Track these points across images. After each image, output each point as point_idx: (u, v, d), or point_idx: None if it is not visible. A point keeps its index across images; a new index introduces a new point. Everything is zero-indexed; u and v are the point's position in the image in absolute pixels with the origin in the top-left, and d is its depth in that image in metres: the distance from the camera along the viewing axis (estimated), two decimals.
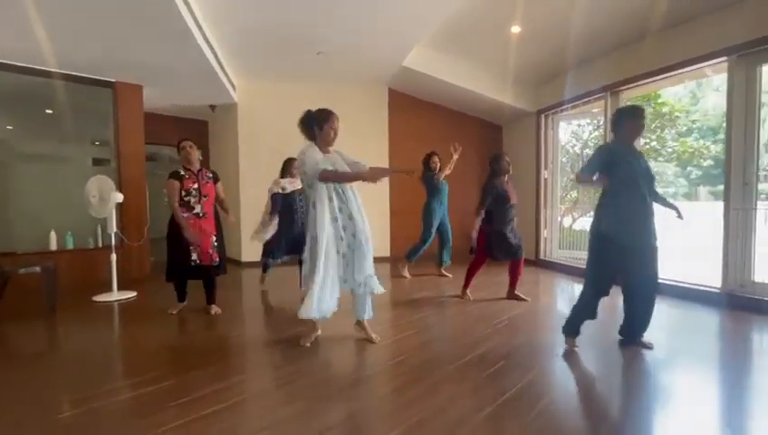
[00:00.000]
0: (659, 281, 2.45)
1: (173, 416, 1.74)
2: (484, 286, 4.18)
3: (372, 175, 2.41)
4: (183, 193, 3.16)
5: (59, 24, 3.38)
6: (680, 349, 2.60)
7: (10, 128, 4.71)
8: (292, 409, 1.83)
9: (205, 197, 3.23)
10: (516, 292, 3.73)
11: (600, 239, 2.38)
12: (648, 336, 2.52)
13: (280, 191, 3.97)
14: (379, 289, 2.57)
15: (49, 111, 5.06)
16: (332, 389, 2.07)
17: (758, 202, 3.36)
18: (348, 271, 2.52)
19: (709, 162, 7.86)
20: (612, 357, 2.43)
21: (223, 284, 4.71)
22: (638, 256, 2.33)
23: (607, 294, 2.42)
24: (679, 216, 2.47)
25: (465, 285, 3.82)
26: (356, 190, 2.57)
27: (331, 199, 2.45)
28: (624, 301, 2.51)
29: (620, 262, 2.35)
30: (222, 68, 4.73)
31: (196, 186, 3.20)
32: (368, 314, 2.67)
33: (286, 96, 5.88)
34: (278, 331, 3.06)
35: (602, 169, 2.37)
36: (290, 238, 3.94)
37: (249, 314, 3.65)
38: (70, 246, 4.58)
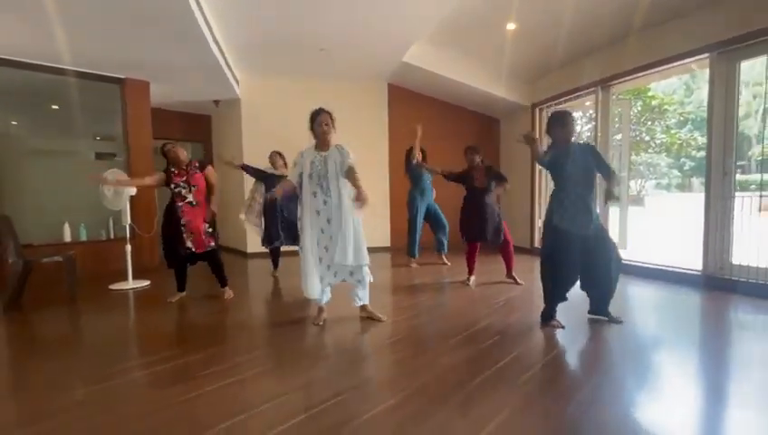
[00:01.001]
0: (620, 262, 2.72)
1: (194, 386, 1.94)
2: (482, 272, 4.41)
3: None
4: (172, 186, 3.41)
5: (74, 22, 3.52)
6: (662, 325, 2.84)
7: (15, 123, 4.85)
8: (307, 378, 2.05)
9: (194, 187, 3.45)
10: (513, 274, 3.99)
11: (548, 229, 2.70)
12: (631, 314, 2.77)
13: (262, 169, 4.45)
14: (367, 279, 2.86)
15: (55, 107, 5.22)
16: (342, 361, 2.30)
17: (736, 192, 3.59)
18: (331, 262, 2.76)
19: (702, 153, 8.05)
20: (595, 333, 2.66)
21: (232, 273, 4.94)
22: (581, 242, 2.60)
23: (568, 279, 2.69)
24: (610, 198, 2.66)
25: (469, 272, 4.05)
26: (344, 185, 2.72)
27: (315, 194, 2.73)
28: (581, 284, 2.78)
29: (569, 247, 2.61)
30: (227, 64, 4.88)
31: (184, 178, 3.44)
32: (362, 301, 2.92)
33: (288, 91, 6.05)
34: (286, 313, 3.28)
35: (549, 168, 2.71)
36: (281, 224, 4.33)
37: (257, 300, 3.86)
38: (83, 237, 4.77)
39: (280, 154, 4.55)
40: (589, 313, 2.85)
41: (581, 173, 2.61)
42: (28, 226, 4.60)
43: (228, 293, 3.64)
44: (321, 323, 2.83)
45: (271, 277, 4.60)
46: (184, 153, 3.48)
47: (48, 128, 5.04)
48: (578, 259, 2.63)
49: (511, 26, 4.53)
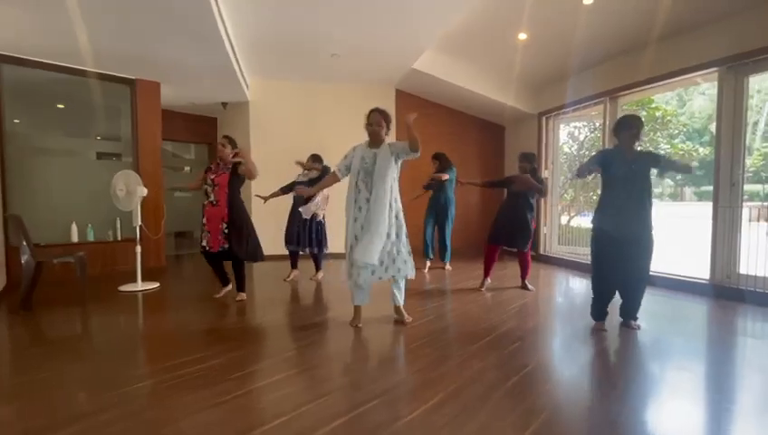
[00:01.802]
0: (650, 273, 2.77)
1: (223, 391, 1.92)
2: (494, 277, 4.44)
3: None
4: (206, 183, 3.51)
5: (90, 21, 3.51)
6: (679, 334, 2.89)
7: (17, 121, 4.79)
8: (337, 382, 2.05)
9: (216, 186, 3.47)
10: (526, 281, 4.04)
11: (594, 231, 2.81)
12: (644, 323, 2.84)
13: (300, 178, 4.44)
14: (403, 275, 2.87)
15: (61, 106, 5.17)
16: (370, 366, 2.31)
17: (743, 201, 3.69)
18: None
19: (694, 164, 8.27)
20: (613, 338, 2.71)
21: (249, 275, 4.92)
22: (625, 246, 2.65)
23: (611, 282, 2.74)
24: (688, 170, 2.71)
25: (486, 275, 4.09)
26: (388, 187, 2.74)
27: (359, 190, 2.81)
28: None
29: (612, 251, 2.69)
30: (239, 66, 4.89)
31: (213, 176, 3.50)
32: (396, 301, 2.95)
33: (296, 94, 6.08)
34: (305, 317, 3.27)
35: (597, 168, 2.76)
36: (298, 229, 4.39)
37: (272, 303, 3.84)
38: (91, 238, 4.72)
39: (319, 158, 4.49)
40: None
41: (633, 178, 2.64)
42: (35, 225, 4.53)
43: (240, 296, 3.65)
44: (360, 324, 2.89)
45: (286, 281, 4.56)
46: (227, 151, 3.50)
47: (55, 127, 4.99)
48: (616, 262, 2.69)
49: (522, 36, 4.62)
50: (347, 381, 2.05)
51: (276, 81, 5.98)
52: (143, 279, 4.26)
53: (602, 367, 2.36)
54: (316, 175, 4.32)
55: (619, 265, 2.70)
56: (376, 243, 2.68)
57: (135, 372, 2.17)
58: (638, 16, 3.88)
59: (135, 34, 3.80)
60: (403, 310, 2.98)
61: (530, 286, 4.02)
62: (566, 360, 2.40)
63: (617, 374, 2.21)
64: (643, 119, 2.91)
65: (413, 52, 5.00)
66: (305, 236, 4.39)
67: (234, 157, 3.51)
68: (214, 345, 2.58)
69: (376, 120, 2.79)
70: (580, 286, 4.43)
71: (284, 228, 4.52)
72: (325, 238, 4.49)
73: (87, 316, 3.31)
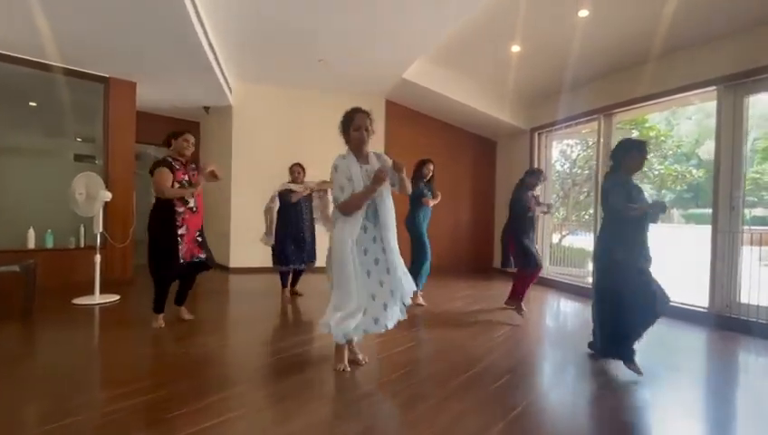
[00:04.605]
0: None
1: (181, 424, 1.65)
2: (481, 299, 4.18)
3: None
4: (177, 185, 2.95)
5: (55, 10, 3.25)
6: (679, 369, 2.64)
7: None
8: (297, 425, 1.75)
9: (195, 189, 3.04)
10: (522, 303, 3.69)
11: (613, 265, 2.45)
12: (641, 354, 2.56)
13: (289, 190, 4.05)
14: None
15: (32, 104, 4.89)
16: (338, 405, 2.01)
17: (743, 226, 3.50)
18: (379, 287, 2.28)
19: (682, 186, 8.22)
20: (606, 375, 2.45)
21: (212, 289, 4.59)
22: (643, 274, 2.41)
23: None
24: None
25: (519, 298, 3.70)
26: (389, 199, 2.28)
27: (364, 229, 2.22)
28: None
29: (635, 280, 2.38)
30: (220, 68, 4.66)
31: (186, 178, 3.02)
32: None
33: (282, 101, 5.86)
34: (273, 342, 2.96)
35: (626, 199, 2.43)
36: (299, 242, 4.05)
37: (241, 324, 3.52)
38: (49, 244, 4.37)
39: (302, 167, 4.17)
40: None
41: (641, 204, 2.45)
42: None
43: (187, 314, 3.25)
44: (347, 368, 2.30)
45: (281, 297, 4.20)
46: (192, 149, 3.09)
47: (23, 126, 4.69)
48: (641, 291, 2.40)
49: (515, 48, 4.47)
50: (300, 427, 1.75)
51: (261, 86, 5.75)
52: (103, 291, 3.92)
53: (599, 411, 2.09)
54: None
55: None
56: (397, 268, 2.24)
57: (68, 403, 1.85)
58: (636, 31, 3.74)
59: (106, 28, 3.55)
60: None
61: (505, 305, 3.76)
62: (558, 402, 2.12)
63: (608, 420, 1.94)
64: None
65: (404, 60, 4.83)
66: (302, 249, 4.08)
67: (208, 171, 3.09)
68: (166, 371, 2.26)
69: (364, 124, 2.22)
70: (573, 310, 4.18)
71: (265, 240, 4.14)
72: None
73: (28, 333, 2.97)
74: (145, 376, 2.21)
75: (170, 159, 3.01)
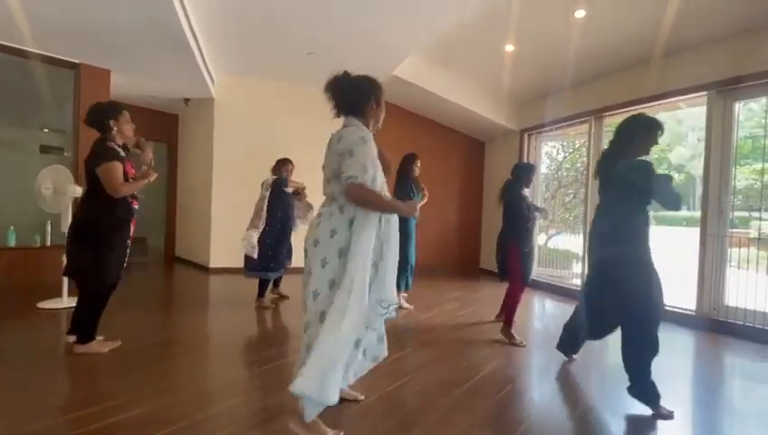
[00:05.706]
0: None
1: None
2: (471, 302, 4.11)
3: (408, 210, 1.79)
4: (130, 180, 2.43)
5: None
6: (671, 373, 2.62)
7: None
8: None
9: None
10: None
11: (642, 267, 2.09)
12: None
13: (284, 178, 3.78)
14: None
15: None
16: (340, 419, 1.87)
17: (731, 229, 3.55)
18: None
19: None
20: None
21: (192, 295, 4.34)
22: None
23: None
24: None
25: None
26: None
27: (380, 225, 1.63)
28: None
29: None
30: (203, 57, 4.41)
31: (134, 172, 2.53)
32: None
33: (267, 95, 5.63)
34: (257, 352, 2.80)
35: None
36: (288, 244, 3.77)
37: (224, 336, 3.32)
38: (11, 243, 4.04)
39: (292, 163, 3.93)
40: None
41: None
42: None
43: (110, 344, 2.60)
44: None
45: (259, 308, 3.75)
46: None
47: None
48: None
49: (509, 48, 4.42)
50: None
51: (245, 78, 5.51)
52: (71, 294, 3.63)
53: (600, 417, 2.02)
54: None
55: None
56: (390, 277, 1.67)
57: (25, 428, 1.63)
58: (630, 34, 3.74)
59: (77, 7, 3.27)
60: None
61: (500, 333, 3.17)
62: (558, 411, 2.05)
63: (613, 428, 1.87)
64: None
65: (395, 56, 4.70)
66: (290, 251, 3.82)
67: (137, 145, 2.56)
68: (141, 387, 2.06)
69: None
70: (562, 312, 4.17)
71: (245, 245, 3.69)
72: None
73: None
74: (112, 393, 1.98)
75: (117, 148, 2.43)
